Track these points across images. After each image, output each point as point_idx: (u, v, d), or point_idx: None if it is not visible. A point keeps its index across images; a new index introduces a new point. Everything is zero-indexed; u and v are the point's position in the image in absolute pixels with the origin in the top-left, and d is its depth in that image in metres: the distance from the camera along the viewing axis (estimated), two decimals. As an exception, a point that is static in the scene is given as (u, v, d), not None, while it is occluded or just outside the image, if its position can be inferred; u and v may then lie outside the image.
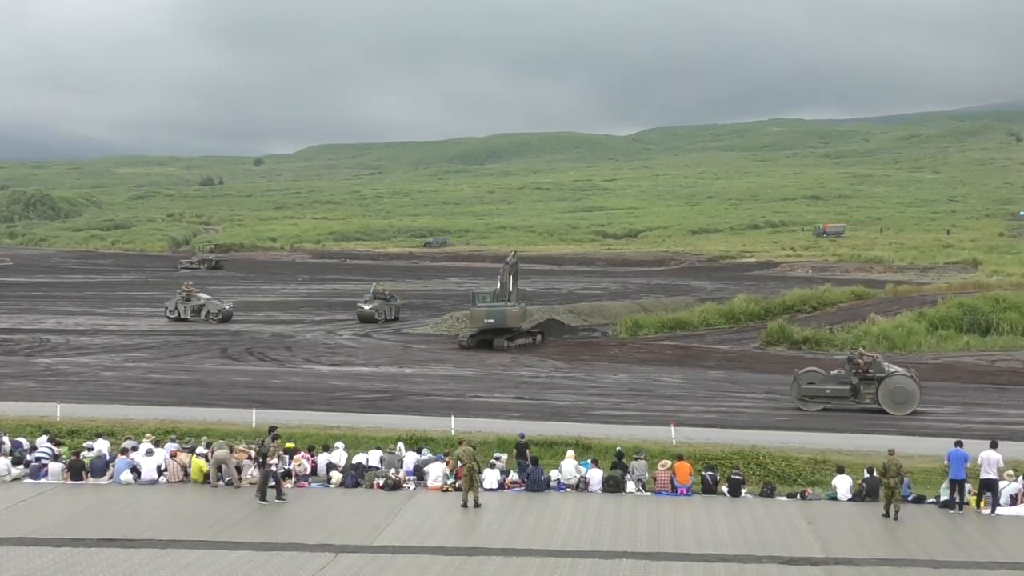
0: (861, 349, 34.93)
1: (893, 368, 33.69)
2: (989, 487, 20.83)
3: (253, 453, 22.44)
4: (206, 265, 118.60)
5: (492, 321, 49.64)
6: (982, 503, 20.96)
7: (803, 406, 33.08)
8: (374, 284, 68.01)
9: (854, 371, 33.22)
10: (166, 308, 62.98)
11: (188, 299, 62.79)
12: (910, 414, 32.08)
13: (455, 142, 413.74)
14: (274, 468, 21.59)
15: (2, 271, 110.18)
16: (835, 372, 34.21)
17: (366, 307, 62.50)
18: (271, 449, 21.53)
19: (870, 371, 32.96)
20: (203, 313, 62.03)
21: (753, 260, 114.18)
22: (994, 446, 21.21)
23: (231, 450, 23.02)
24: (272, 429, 22.41)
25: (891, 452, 21.32)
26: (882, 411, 32.40)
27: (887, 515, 20.56)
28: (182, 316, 61.70)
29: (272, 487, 21.38)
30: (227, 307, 63.30)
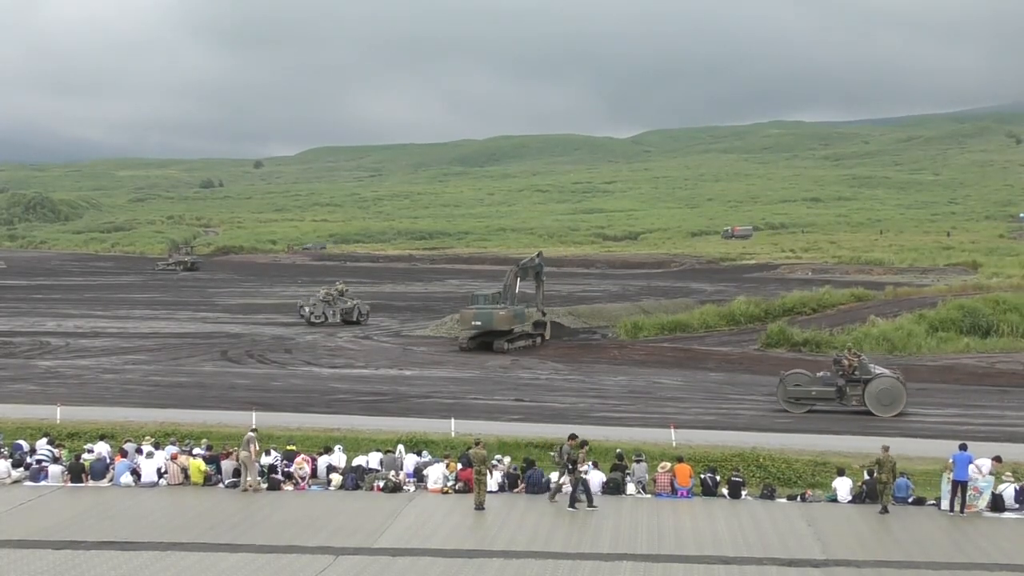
0: (847, 351, 34.81)
1: (879, 370, 33.70)
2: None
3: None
4: (182, 267, 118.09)
5: (479, 323, 49.76)
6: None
7: (789, 408, 33.07)
8: (340, 284, 68.70)
9: (840, 373, 33.21)
10: (312, 314, 61.95)
11: (331, 303, 62.61)
12: (896, 415, 32.07)
13: (455, 144, 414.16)
14: (584, 475, 21.33)
15: (10, 274, 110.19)
16: (821, 374, 34.18)
17: (306, 309, 62.96)
18: (579, 456, 21.37)
19: (856, 373, 32.94)
20: (355, 315, 62.18)
21: (753, 262, 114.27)
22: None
23: (251, 444, 22.78)
24: (572, 437, 21.81)
25: (885, 448, 21.35)
26: (868, 413, 32.37)
27: (884, 511, 20.68)
28: (329, 320, 61.40)
29: (583, 494, 20.98)
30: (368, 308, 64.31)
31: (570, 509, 20.73)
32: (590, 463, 22.21)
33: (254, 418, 28.85)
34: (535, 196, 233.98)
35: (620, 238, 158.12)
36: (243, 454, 22.51)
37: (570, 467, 21.12)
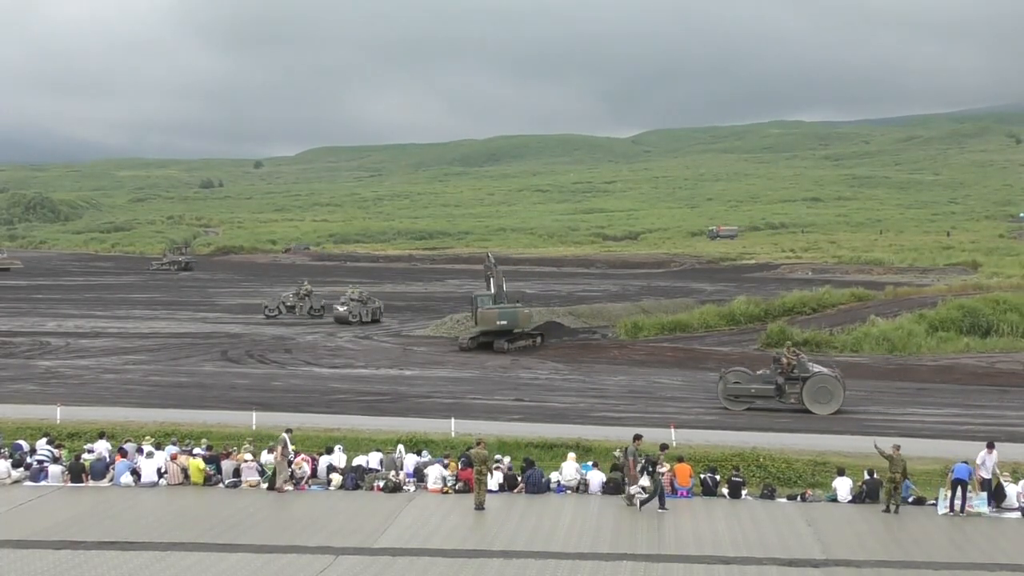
0: (786, 349, 35.01)
1: (817, 368, 34.03)
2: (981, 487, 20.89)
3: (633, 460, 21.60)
4: (177, 266, 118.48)
5: (504, 323, 49.84)
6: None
7: (729, 405, 33.39)
8: (307, 284, 70.21)
9: (779, 371, 33.49)
10: (350, 313, 62.71)
11: (365, 303, 63.70)
12: (833, 414, 32.31)
13: (455, 144, 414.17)
14: (663, 476, 21.24)
15: (12, 274, 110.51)
16: (761, 372, 34.51)
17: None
18: (660, 457, 21.31)
19: (794, 371, 33.22)
20: (378, 314, 64.09)
21: (753, 262, 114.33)
22: (991, 447, 21.24)
23: (283, 446, 22.60)
24: (638, 437, 21.81)
25: (896, 447, 21.33)
26: (807, 411, 32.63)
27: (888, 510, 20.66)
28: (364, 320, 62.57)
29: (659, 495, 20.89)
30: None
31: (660, 510, 20.57)
32: (667, 465, 22.17)
33: (254, 418, 28.89)
34: (535, 196, 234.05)
35: (620, 238, 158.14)
36: (275, 456, 22.47)
37: (651, 469, 21.11)
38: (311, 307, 66.97)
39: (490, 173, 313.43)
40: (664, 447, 22.38)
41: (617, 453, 22.54)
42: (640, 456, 21.37)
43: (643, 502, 20.72)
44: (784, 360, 33.49)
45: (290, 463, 23.09)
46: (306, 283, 70.91)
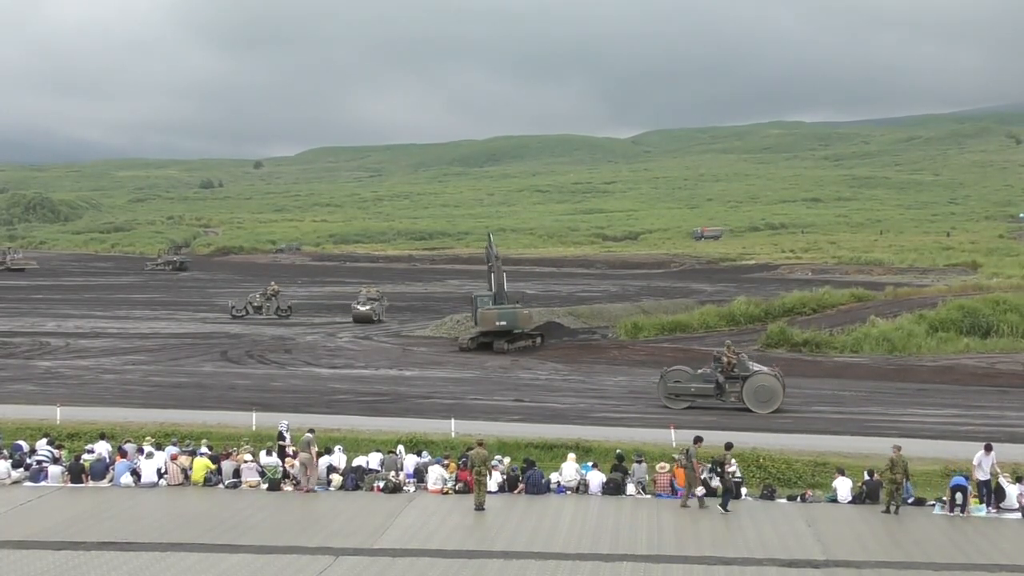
0: (727, 348, 35.07)
1: (757, 367, 34.18)
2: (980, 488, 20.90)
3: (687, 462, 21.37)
4: (171, 266, 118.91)
5: (504, 323, 49.75)
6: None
7: (669, 404, 33.58)
8: (274, 284, 71.27)
9: (719, 370, 33.65)
10: (373, 312, 63.76)
11: (379, 301, 65.43)
12: (773, 412, 32.46)
13: (455, 144, 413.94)
14: (734, 477, 21.37)
15: (11, 274, 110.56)
16: (701, 371, 34.69)
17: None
18: (727, 457, 21.44)
19: (735, 370, 33.39)
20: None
21: (753, 262, 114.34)
22: (988, 448, 21.23)
23: (311, 445, 22.59)
24: (699, 440, 21.90)
25: (897, 448, 21.31)
26: (747, 409, 32.77)
27: (888, 511, 20.64)
28: (381, 318, 63.99)
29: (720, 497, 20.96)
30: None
31: (723, 511, 20.67)
32: (736, 465, 22.19)
33: (254, 418, 28.89)
34: (535, 196, 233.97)
35: (620, 238, 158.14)
36: (303, 456, 22.49)
37: (718, 470, 21.16)
38: (278, 307, 67.43)
39: (490, 173, 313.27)
40: (729, 445, 22.24)
41: (677, 456, 22.49)
42: (706, 461, 21.45)
43: (722, 504, 20.80)
44: (725, 359, 33.67)
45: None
46: (273, 283, 71.53)
